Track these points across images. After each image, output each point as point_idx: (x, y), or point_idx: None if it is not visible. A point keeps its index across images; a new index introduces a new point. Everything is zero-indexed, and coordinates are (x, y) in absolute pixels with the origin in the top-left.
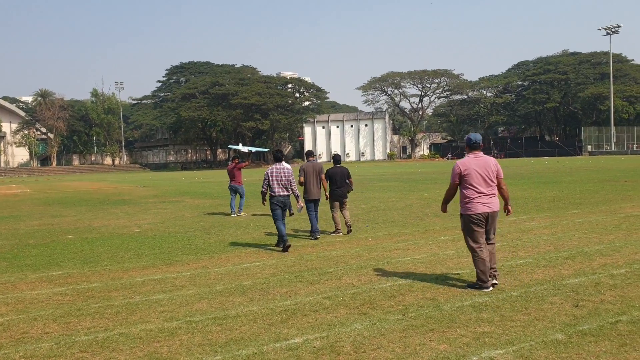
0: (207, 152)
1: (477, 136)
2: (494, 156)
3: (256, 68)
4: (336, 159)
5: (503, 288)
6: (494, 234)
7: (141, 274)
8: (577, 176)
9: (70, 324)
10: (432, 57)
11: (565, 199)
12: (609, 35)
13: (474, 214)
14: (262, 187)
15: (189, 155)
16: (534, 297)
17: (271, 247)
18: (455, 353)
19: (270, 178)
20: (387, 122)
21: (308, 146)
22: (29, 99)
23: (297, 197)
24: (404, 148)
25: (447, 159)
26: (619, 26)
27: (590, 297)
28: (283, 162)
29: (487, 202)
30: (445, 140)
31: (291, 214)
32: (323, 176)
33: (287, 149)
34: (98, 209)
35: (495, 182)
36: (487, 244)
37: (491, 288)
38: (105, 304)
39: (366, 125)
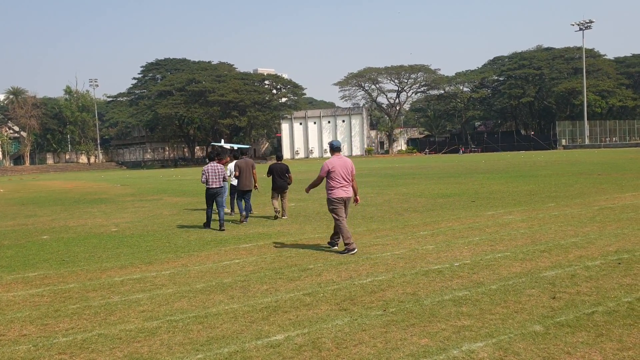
0: (185, 150)
1: (338, 142)
2: (471, 151)
3: (233, 65)
4: (278, 156)
5: (482, 282)
6: (347, 212)
7: (120, 273)
8: (552, 170)
9: (48, 326)
10: (409, 53)
11: (541, 193)
12: (581, 31)
13: (335, 198)
14: (202, 180)
15: (167, 152)
16: (512, 290)
17: (251, 244)
18: (436, 347)
19: (207, 174)
20: (365, 117)
21: (285, 143)
22: (1, 97)
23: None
24: (382, 143)
25: (425, 154)
26: (591, 22)
27: (567, 289)
28: (215, 162)
29: (344, 190)
30: (423, 135)
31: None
32: (254, 171)
33: (265, 146)
34: (74, 209)
35: (351, 177)
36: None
37: (356, 250)
38: (84, 305)
39: (343, 121)
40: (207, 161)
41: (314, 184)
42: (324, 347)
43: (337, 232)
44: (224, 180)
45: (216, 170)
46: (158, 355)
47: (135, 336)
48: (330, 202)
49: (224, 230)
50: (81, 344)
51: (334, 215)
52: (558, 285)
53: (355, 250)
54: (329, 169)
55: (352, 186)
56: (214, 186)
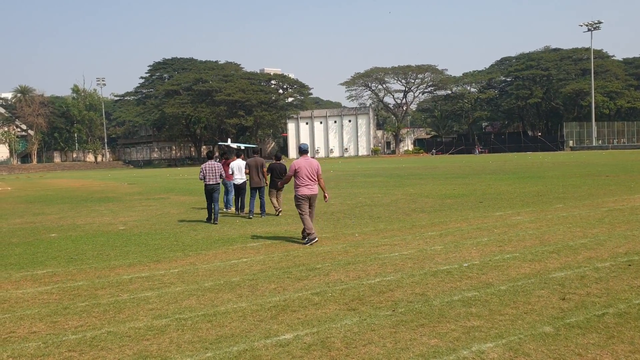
0: (192, 149)
1: (306, 145)
2: (479, 152)
3: (240, 64)
4: (277, 156)
5: (491, 282)
6: (314, 207)
7: (128, 271)
8: (560, 171)
9: (57, 323)
10: (416, 53)
11: (549, 194)
12: (590, 32)
13: (300, 195)
14: (200, 177)
15: (173, 152)
16: (521, 291)
17: (258, 243)
18: (446, 347)
19: (205, 171)
20: (371, 117)
21: (292, 142)
22: (9, 95)
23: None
24: (388, 143)
25: (432, 154)
26: (600, 22)
27: (577, 290)
28: (213, 160)
29: (309, 188)
30: (430, 136)
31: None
32: (264, 169)
33: (271, 146)
34: (81, 207)
35: (316, 176)
36: (310, 212)
37: (317, 239)
38: (93, 303)
39: (350, 121)
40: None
41: (285, 181)
42: (333, 347)
43: (307, 225)
44: (220, 178)
45: (213, 168)
46: (167, 353)
47: (145, 334)
48: (296, 198)
49: (216, 224)
50: (90, 341)
51: (298, 210)
52: (567, 286)
53: (316, 239)
54: (295, 169)
55: (319, 184)
56: (210, 182)
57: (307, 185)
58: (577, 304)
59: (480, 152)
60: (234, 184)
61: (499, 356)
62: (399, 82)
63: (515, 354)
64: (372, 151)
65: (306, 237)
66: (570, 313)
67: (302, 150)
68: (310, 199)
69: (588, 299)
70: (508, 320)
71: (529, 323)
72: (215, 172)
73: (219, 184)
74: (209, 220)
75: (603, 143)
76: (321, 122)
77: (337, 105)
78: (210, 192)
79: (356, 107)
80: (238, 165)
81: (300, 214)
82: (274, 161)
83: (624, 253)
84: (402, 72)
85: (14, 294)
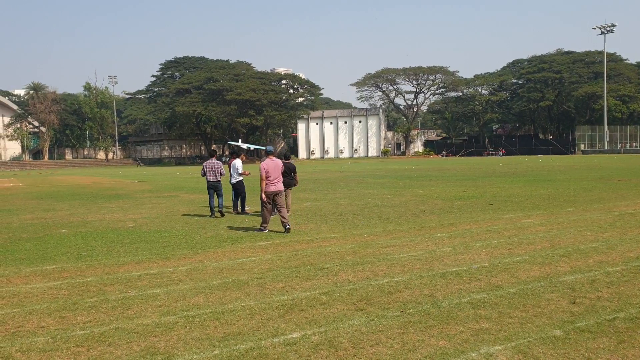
0: (202, 148)
1: (271, 148)
2: (488, 154)
3: (251, 64)
4: (286, 156)
5: (500, 285)
6: (284, 202)
7: (137, 268)
8: (571, 174)
9: (65, 318)
10: (428, 54)
11: (560, 197)
12: (603, 35)
13: (268, 192)
14: (201, 174)
15: (184, 150)
16: (531, 294)
17: (267, 242)
18: (454, 349)
19: (206, 168)
20: (381, 118)
21: (302, 142)
22: (22, 92)
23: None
24: (398, 145)
25: (442, 156)
26: (613, 25)
27: (587, 294)
28: (214, 158)
29: (275, 186)
30: (440, 137)
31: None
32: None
33: (281, 145)
34: (92, 203)
35: (280, 175)
36: (279, 207)
37: (268, 230)
38: (101, 299)
39: (360, 121)
40: (228, 159)
41: (262, 187)
42: (341, 347)
43: (264, 219)
44: (221, 175)
45: (214, 166)
46: (175, 350)
47: (152, 331)
48: (265, 194)
49: (223, 216)
50: (98, 337)
51: (263, 204)
52: (578, 290)
53: (266, 231)
54: (266, 170)
55: (283, 181)
56: (210, 179)
57: (272, 184)
58: (588, 308)
59: (490, 154)
60: (231, 183)
61: (507, 359)
62: (409, 84)
63: (524, 357)
64: (382, 152)
65: (260, 229)
66: (581, 317)
67: (269, 152)
68: (275, 195)
69: (599, 303)
70: (517, 323)
71: (539, 326)
72: (215, 170)
73: (219, 181)
74: (212, 215)
75: (615, 147)
76: (331, 123)
77: (347, 105)
78: (211, 189)
79: (366, 108)
80: (232, 165)
81: (262, 208)
82: (284, 160)
83: (635, 257)
84: (413, 73)
85: (23, 289)
